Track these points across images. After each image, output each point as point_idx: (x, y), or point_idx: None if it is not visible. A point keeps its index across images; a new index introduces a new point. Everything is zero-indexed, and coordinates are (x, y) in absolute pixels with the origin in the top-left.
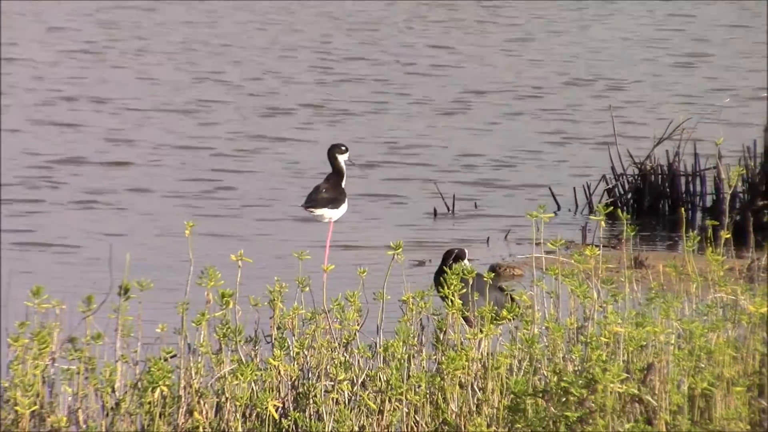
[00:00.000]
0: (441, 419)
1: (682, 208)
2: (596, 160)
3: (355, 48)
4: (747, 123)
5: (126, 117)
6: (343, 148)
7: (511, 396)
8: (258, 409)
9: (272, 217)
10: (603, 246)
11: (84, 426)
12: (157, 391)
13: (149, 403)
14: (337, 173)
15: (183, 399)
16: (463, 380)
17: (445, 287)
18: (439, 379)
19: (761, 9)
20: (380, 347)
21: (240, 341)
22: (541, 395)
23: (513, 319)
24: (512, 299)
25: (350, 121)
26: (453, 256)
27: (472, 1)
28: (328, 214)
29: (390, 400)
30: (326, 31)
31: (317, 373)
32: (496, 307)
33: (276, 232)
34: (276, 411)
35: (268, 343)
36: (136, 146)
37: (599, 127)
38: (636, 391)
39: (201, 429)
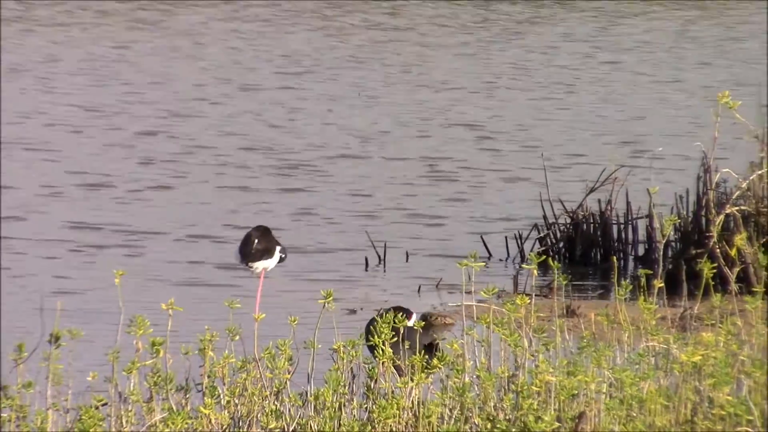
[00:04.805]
0: None
1: (614, 257)
2: (528, 209)
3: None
4: (680, 170)
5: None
6: None
7: None
8: None
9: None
10: (535, 295)
11: None
12: None
13: None
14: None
15: None
16: (394, 428)
17: (375, 336)
18: (370, 427)
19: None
20: (311, 396)
21: (171, 389)
22: None
23: (444, 367)
24: (437, 349)
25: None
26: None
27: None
28: (264, 265)
29: None
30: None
31: (248, 422)
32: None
33: (208, 279)
34: None
35: (199, 391)
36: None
37: (531, 174)
38: None
39: None
